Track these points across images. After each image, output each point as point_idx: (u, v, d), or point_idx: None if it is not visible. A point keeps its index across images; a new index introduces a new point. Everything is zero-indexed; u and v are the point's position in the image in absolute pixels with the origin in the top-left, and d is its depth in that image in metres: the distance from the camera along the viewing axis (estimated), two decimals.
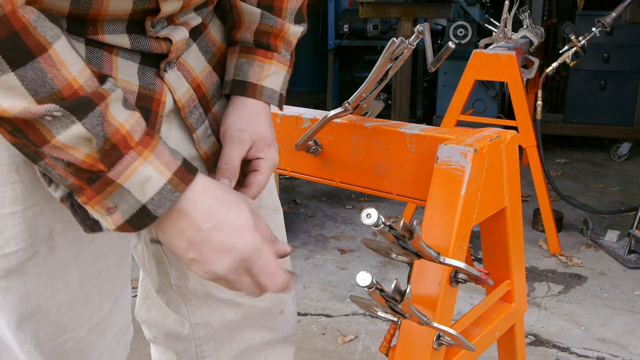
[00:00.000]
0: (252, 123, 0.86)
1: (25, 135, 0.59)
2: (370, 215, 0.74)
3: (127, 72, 0.74)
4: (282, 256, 0.73)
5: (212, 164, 0.88)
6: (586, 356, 2.13)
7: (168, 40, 0.75)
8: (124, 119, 0.63)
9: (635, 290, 2.59)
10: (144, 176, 0.63)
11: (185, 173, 0.65)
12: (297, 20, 0.90)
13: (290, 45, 0.91)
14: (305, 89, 6.60)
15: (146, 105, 0.76)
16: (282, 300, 1.04)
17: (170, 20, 0.76)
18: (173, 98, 0.80)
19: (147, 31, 0.73)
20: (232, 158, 0.82)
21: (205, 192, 0.67)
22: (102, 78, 0.63)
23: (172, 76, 0.79)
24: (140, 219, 0.64)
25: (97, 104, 0.60)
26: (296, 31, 0.90)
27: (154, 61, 0.76)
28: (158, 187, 0.64)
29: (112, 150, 0.61)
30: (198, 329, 1.01)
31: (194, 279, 0.97)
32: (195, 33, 0.83)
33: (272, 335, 1.06)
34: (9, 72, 0.56)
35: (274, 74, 0.89)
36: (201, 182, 0.67)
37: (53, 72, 0.58)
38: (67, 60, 0.59)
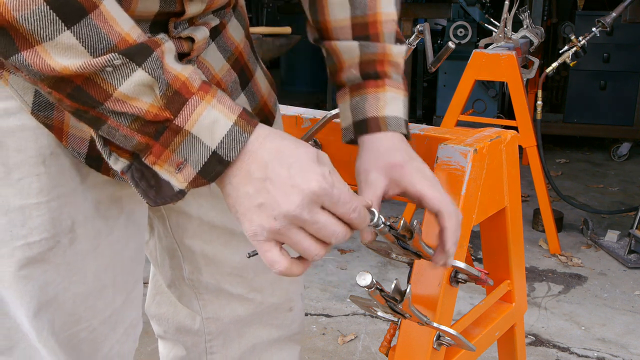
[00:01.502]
0: (379, 159, 0.81)
1: (87, 93, 0.58)
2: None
3: None
4: (368, 205, 0.68)
5: None
6: (586, 356, 2.13)
7: (190, 39, 0.76)
8: (181, 68, 0.62)
9: (635, 290, 2.59)
10: (211, 119, 0.61)
11: (249, 116, 0.63)
12: (397, 41, 0.88)
13: (399, 67, 0.87)
14: (305, 89, 6.60)
15: None
16: (291, 298, 1.05)
17: (191, 21, 0.77)
18: None
19: (170, 32, 0.74)
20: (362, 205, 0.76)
21: (270, 133, 0.64)
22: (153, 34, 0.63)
23: None
24: (213, 167, 0.62)
25: (153, 49, 0.60)
26: (400, 50, 0.87)
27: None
28: (226, 129, 0.61)
29: (175, 97, 0.60)
30: (209, 324, 1.02)
31: (206, 272, 0.97)
32: (214, 33, 0.84)
33: (280, 333, 1.06)
34: (65, 30, 0.56)
35: (392, 100, 0.84)
36: (265, 126, 0.65)
37: (107, 28, 0.58)
38: (118, 16, 0.59)
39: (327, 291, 2.55)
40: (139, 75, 0.59)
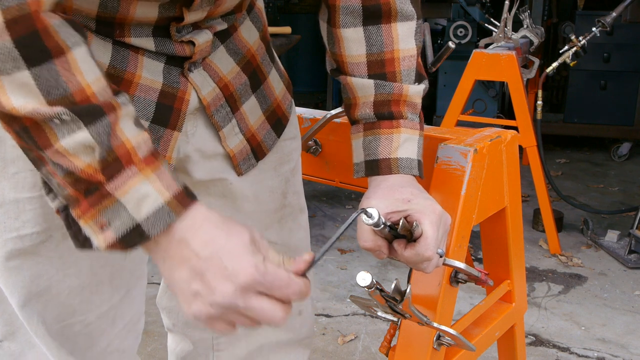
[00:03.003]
0: (386, 195, 0.82)
1: (32, 136, 0.59)
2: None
3: (152, 71, 0.75)
4: (302, 271, 0.68)
5: (239, 162, 0.88)
6: (586, 356, 2.13)
7: (191, 43, 0.76)
8: (132, 135, 0.62)
9: (635, 291, 2.59)
10: (142, 193, 0.61)
11: (184, 197, 0.64)
12: (417, 79, 0.86)
13: (416, 108, 0.86)
14: (305, 89, 6.60)
15: (168, 102, 0.78)
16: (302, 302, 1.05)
17: (196, 25, 0.77)
18: (198, 97, 0.81)
19: (172, 36, 0.75)
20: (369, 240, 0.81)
21: (205, 220, 0.64)
22: (116, 92, 0.63)
23: (197, 76, 0.80)
24: (132, 238, 0.62)
25: (106, 113, 0.60)
26: (418, 90, 0.86)
27: (179, 62, 0.78)
28: (155, 207, 0.61)
29: (114, 163, 0.60)
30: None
31: None
32: (224, 35, 0.84)
33: (289, 336, 1.05)
34: (25, 69, 0.56)
35: (405, 142, 0.84)
36: (201, 210, 0.65)
37: (68, 75, 0.58)
38: (84, 67, 0.59)
39: (327, 291, 2.55)
40: (83, 136, 0.59)
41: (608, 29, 2.86)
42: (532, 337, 2.23)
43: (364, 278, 0.76)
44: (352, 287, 2.58)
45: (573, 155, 4.71)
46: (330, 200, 3.66)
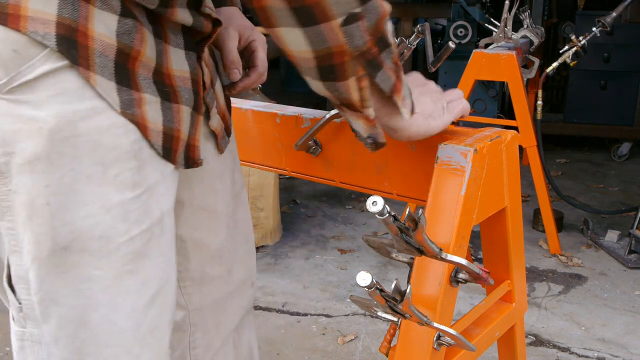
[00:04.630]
0: (230, 20, 0.99)
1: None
2: (376, 203, 0.73)
3: (178, 62, 0.80)
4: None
5: (220, 138, 0.96)
6: (586, 356, 2.13)
7: (211, 19, 0.82)
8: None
9: (635, 291, 2.59)
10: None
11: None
12: None
13: None
14: (305, 89, 6.58)
15: (195, 88, 0.83)
16: (252, 272, 1.10)
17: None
18: (204, 80, 0.86)
19: (203, 7, 0.80)
20: (230, 51, 0.96)
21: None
22: None
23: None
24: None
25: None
26: None
27: (193, 44, 0.82)
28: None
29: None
30: (193, 316, 1.04)
31: (194, 259, 1.00)
32: None
33: (246, 310, 1.12)
34: None
35: None
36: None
37: None
38: None
39: (327, 291, 2.55)
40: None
41: (608, 29, 2.86)
42: (532, 337, 2.23)
43: (364, 278, 0.75)
44: (352, 287, 2.58)
45: (573, 155, 4.71)
46: (330, 200, 3.66)
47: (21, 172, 0.70)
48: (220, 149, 0.96)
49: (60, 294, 0.74)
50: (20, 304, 0.76)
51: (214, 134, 0.94)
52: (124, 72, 0.72)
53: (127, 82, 0.73)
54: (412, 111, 0.84)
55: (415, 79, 0.91)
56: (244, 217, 1.07)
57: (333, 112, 1.05)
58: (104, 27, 0.70)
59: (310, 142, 1.11)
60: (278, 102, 1.13)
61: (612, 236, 3.00)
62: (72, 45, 0.67)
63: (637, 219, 2.85)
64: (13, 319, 0.79)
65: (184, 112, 0.81)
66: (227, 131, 0.99)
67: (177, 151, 0.81)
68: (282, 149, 1.16)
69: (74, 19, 0.67)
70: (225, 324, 1.07)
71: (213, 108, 0.92)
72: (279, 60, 6.96)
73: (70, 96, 0.69)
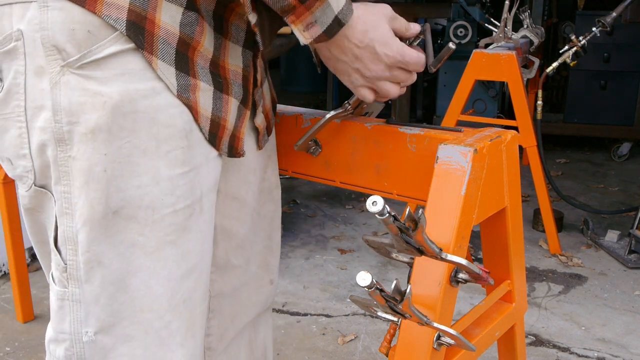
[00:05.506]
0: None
1: None
2: (376, 203, 0.73)
3: (234, 57, 0.86)
4: (413, 34, 0.92)
5: (262, 135, 1.00)
6: (586, 356, 2.13)
7: None
8: None
9: (635, 291, 2.59)
10: None
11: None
12: None
13: None
14: (305, 89, 6.59)
15: (246, 84, 0.90)
16: (272, 270, 1.12)
17: None
18: (256, 77, 0.92)
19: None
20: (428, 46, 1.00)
21: (359, 17, 0.83)
22: None
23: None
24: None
25: None
26: None
27: (252, 43, 0.88)
28: (344, 2, 0.79)
29: None
30: (213, 302, 1.06)
31: (221, 246, 1.03)
32: None
33: (264, 307, 1.14)
34: None
35: None
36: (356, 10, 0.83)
37: None
38: None
39: (327, 291, 2.55)
40: None
41: (608, 29, 2.86)
42: (532, 337, 2.23)
43: (364, 278, 0.75)
44: (352, 287, 2.58)
45: (573, 155, 4.71)
46: (330, 200, 3.66)
47: (82, 141, 0.75)
48: (260, 145, 1.01)
49: (106, 255, 0.79)
50: (65, 264, 0.81)
51: (256, 130, 0.98)
52: (183, 59, 0.79)
53: (186, 68, 0.79)
54: (331, 36, 0.81)
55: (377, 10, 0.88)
56: (271, 215, 1.10)
57: (333, 112, 1.05)
58: (169, 17, 0.77)
59: (310, 143, 1.11)
60: (278, 102, 1.13)
61: (612, 236, 3.00)
62: (139, 31, 0.74)
63: (637, 219, 2.85)
64: (54, 280, 0.83)
65: (233, 104, 0.87)
66: (268, 130, 1.03)
67: (222, 139, 0.86)
68: (282, 149, 1.16)
69: (143, 7, 0.75)
70: (241, 316, 1.09)
71: (260, 106, 0.96)
72: (279, 60, 6.97)
73: (134, 76, 0.75)
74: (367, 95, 0.90)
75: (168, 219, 0.81)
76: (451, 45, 0.94)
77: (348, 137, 1.09)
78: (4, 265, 2.63)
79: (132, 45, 0.74)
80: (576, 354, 2.14)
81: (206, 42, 0.81)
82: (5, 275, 2.63)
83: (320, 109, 1.20)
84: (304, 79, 6.58)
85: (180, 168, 0.80)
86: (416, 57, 0.89)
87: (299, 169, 1.18)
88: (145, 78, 0.76)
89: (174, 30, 0.77)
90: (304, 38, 0.79)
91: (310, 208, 3.54)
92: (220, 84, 0.84)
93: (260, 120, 0.98)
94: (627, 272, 2.75)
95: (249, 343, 1.14)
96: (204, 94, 0.82)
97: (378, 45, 0.84)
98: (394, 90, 0.90)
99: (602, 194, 3.83)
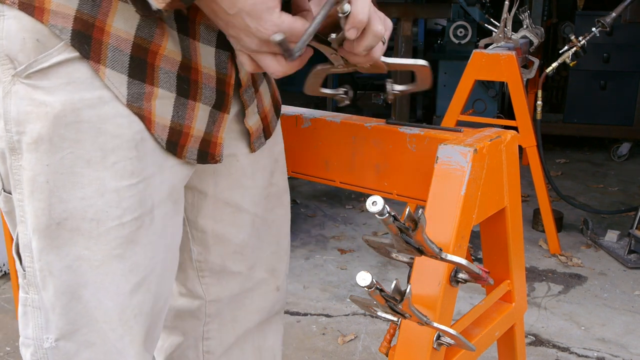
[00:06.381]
0: None
1: None
2: (375, 203, 0.73)
3: (207, 59, 0.82)
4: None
5: (255, 139, 0.96)
6: (586, 356, 2.13)
7: None
8: None
9: (635, 290, 2.59)
10: None
11: None
12: None
13: None
14: None
15: (221, 88, 0.85)
16: (278, 276, 1.10)
17: None
18: (238, 78, 0.88)
19: None
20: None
21: None
22: None
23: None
24: None
25: None
26: None
27: (226, 43, 0.82)
28: None
29: None
30: (210, 306, 1.05)
31: (214, 252, 1.02)
32: None
33: (270, 313, 1.11)
34: None
35: None
36: None
37: None
38: None
39: (327, 291, 2.55)
40: None
41: (608, 29, 2.86)
42: (532, 337, 2.23)
43: (364, 278, 0.75)
44: (352, 287, 2.58)
45: (573, 155, 4.71)
46: (330, 200, 3.67)
47: (28, 151, 0.75)
48: (252, 148, 0.97)
49: (55, 266, 0.78)
50: (24, 270, 0.81)
51: (248, 133, 0.95)
52: (140, 65, 0.76)
53: (142, 75, 0.77)
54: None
55: None
56: (280, 220, 1.07)
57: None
58: (123, 22, 0.74)
59: (340, 90, 1.03)
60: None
61: (611, 236, 3.00)
62: (85, 40, 0.72)
63: (637, 219, 2.85)
64: (20, 286, 0.84)
65: (201, 109, 0.84)
66: (266, 132, 0.99)
67: (184, 146, 0.84)
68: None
69: (92, 14, 0.72)
70: (242, 321, 1.08)
71: (251, 106, 0.93)
72: None
73: (79, 85, 0.74)
74: (246, 63, 0.79)
75: (114, 232, 0.78)
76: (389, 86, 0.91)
77: (348, 137, 1.09)
78: (4, 265, 2.63)
79: (78, 54, 0.73)
80: (576, 353, 2.14)
81: (170, 45, 0.78)
82: (6, 275, 2.63)
83: (320, 109, 1.20)
84: (304, 79, 6.57)
85: (128, 180, 0.78)
86: (299, 28, 0.74)
87: (299, 169, 1.18)
88: (92, 87, 0.74)
89: (126, 36, 0.74)
90: (156, 3, 0.69)
91: (310, 208, 3.54)
92: (186, 90, 0.81)
93: (253, 121, 0.95)
94: (626, 272, 2.76)
95: (258, 349, 1.12)
96: (162, 101, 0.79)
97: (248, 18, 0.72)
98: (273, 67, 0.77)
99: (602, 194, 3.83)
